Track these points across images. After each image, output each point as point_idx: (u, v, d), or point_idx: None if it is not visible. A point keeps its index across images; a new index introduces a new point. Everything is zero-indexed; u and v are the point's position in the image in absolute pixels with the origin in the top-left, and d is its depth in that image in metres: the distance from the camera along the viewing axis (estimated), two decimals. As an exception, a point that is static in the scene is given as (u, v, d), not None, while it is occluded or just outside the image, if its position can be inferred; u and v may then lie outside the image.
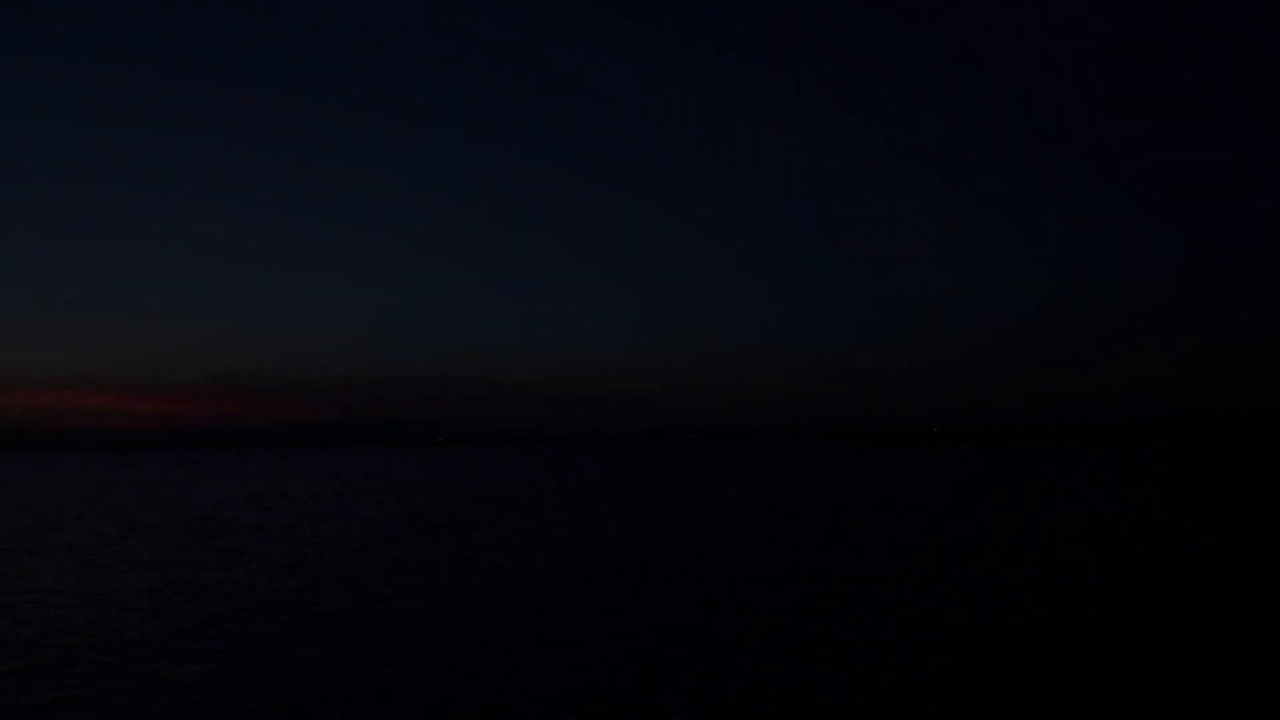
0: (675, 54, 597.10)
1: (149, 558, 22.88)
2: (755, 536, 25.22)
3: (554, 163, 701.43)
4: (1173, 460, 78.16)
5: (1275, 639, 6.66)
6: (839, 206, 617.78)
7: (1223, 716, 4.83)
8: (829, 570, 18.80)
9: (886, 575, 18.02)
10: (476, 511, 35.90)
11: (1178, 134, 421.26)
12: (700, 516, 31.70)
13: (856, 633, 12.96)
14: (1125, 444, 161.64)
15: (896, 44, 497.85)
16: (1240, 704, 4.97)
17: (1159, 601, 14.74)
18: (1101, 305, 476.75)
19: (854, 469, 72.13)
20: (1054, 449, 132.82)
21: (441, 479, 67.97)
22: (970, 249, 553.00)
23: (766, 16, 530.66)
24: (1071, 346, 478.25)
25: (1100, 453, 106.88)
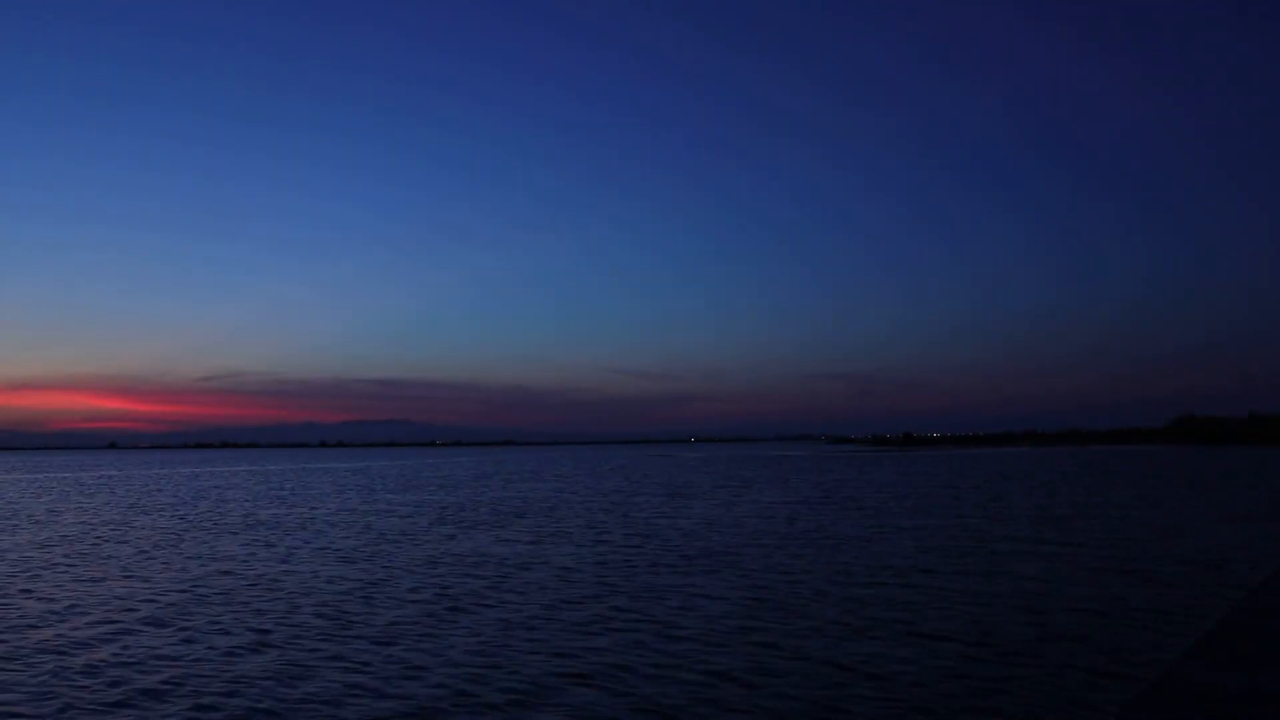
0: (677, 58, 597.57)
1: (223, 551, 24.17)
2: (796, 528, 26.51)
3: (555, 168, 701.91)
4: (1177, 464, 79.39)
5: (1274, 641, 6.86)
6: (838, 207, 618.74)
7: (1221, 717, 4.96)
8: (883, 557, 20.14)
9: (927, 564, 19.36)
10: (521, 510, 37.14)
11: (1179, 136, 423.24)
12: (738, 511, 32.99)
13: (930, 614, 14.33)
14: (1125, 448, 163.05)
15: (898, 47, 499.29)
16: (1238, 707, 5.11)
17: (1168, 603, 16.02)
18: (1100, 310, 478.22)
19: (871, 470, 73.35)
20: (1058, 454, 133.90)
21: (464, 480, 69.03)
22: (974, 251, 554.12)
23: (766, 16, 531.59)
24: (1075, 351, 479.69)
25: (1102, 456, 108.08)
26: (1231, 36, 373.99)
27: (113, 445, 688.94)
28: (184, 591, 17.48)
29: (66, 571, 20.48)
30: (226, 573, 20.02)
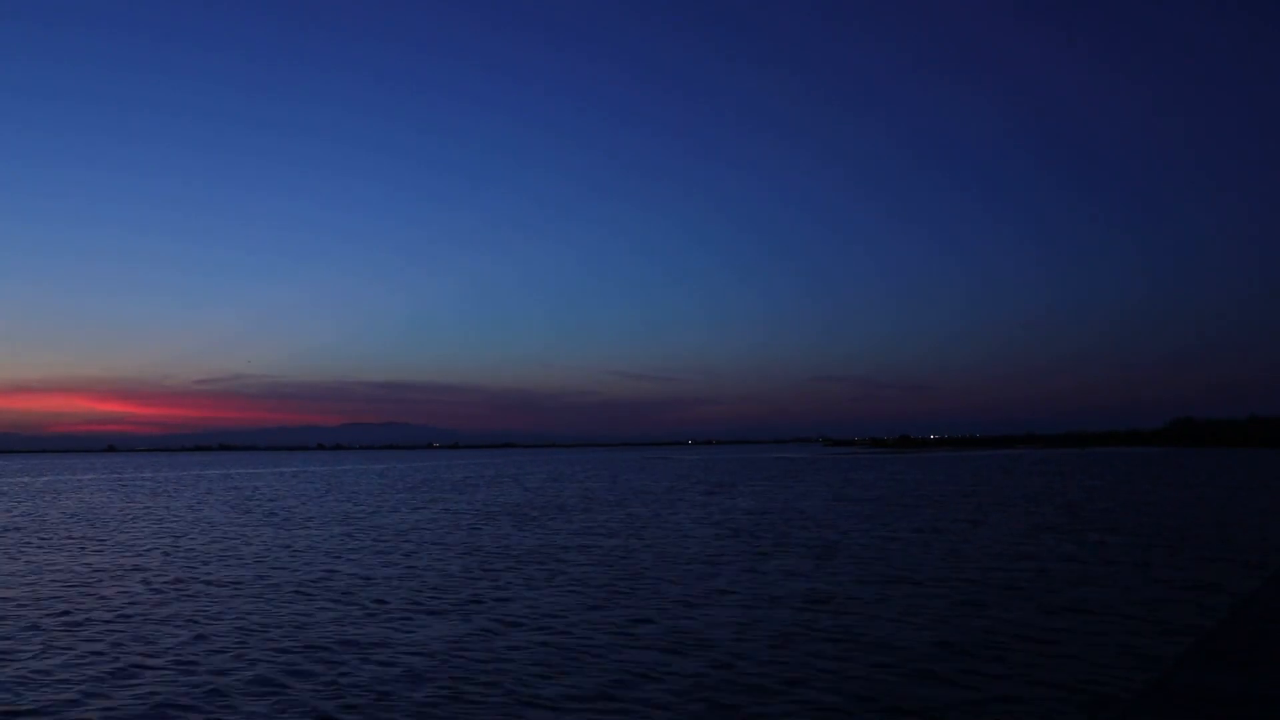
0: (674, 64, 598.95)
1: (308, 545, 25.94)
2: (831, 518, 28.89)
3: (553, 173, 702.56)
4: (1179, 466, 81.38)
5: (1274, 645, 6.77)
6: (835, 212, 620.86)
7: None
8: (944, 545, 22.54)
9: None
10: (567, 506, 39.32)
11: (1174, 140, 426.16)
12: (789, 505, 35.25)
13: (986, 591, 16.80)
14: (1124, 450, 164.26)
15: (894, 53, 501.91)
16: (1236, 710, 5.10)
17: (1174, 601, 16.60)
18: (1096, 313, 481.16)
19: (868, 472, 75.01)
20: (1061, 456, 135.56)
21: (499, 480, 70.18)
22: (971, 255, 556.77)
23: (762, 23, 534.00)
24: (1071, 353, 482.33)
25: (1105, 457, 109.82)
26: (1227, 40, 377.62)
27: (111, 448, 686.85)
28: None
29: (240, 565, 22.86)
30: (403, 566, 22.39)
